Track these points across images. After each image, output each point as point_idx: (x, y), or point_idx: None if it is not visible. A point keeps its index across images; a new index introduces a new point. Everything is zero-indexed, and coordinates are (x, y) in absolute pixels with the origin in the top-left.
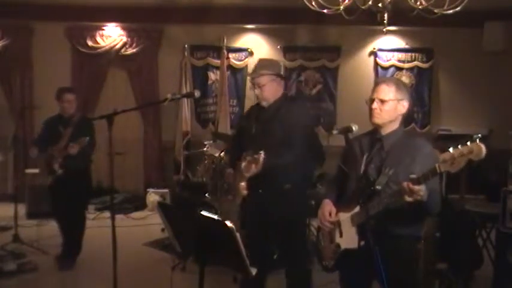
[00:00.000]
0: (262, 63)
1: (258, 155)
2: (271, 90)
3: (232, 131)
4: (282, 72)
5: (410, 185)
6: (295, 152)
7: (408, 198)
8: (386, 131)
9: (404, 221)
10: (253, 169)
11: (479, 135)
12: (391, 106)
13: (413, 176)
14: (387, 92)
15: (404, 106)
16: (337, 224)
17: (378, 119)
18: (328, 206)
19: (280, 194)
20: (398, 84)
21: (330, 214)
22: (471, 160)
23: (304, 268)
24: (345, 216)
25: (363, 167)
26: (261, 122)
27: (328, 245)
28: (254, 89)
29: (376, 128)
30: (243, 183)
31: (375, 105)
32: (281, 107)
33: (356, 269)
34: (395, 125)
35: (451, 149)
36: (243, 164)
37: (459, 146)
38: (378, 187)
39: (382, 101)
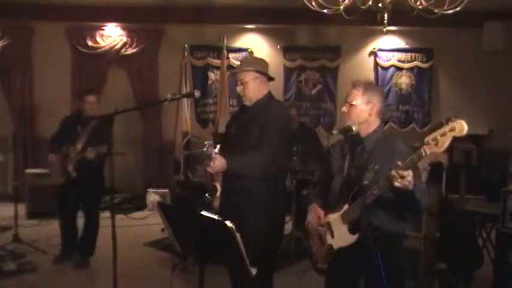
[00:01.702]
0: (248, 60)
1: (212, 151)
2: (253, 88)
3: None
4: (267, 72)
5: (400, 171)
6: (268, 156)
7: (397, 184)
8: (365, 132)
9: (395, 218)
10: (212, 166)
11: (456, 111)
12: (358, 109)
13: (400, 163)
14: (354, 95)
15: (373, 108)
16: (327, 225)
17: (348, 121)
18: (316, 210)
19: (253, 199)
20: (367, 87)
21: (319, 218)
22: (455, 138)
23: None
24: (334, 217)
25: (346, 169)
26: (240, 122)
27: (319, 248)
28: (237, 86)
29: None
30: (216, 184)
31: (344, 108)
32: (261, 107)
33: (348, 264)
34: (372, 126)
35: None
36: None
37: (449, 124)
38: (366, 182)
39: (350, 105)
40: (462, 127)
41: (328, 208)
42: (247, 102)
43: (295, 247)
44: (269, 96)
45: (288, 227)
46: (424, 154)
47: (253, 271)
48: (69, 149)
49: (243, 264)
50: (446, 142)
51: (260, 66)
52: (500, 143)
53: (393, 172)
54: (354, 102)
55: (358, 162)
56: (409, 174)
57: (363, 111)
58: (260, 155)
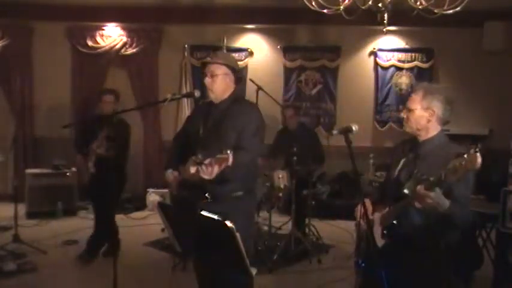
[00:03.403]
0: (222, 54)
1: (226, 154)
2: (222, 84)
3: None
4: (238, 71)
5: (422, 191)
6: (248, 156)
7: (417, 204)
8: (423, 137)
9: (427, 231)
10: (217, 170)
11: (479, 147)
12: (417, 114)
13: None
14: (413, 101)
15: (432, 114)
16: (371, 223)
17: (406, 127)
18: (365, 205)
19: (230, 202)
20: (427, 92)
21: (366, 213)
22: (469, 169)
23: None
24: (377, 216)
25: (397, 171)
26: (210, 123)
27: (359, 243)
28: (205, 77)
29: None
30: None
31: (403, 114)
32: (231, 106)
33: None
34: (431, 132)
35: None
36: (203, 167)
37: (465, 155)
38: (406, 191)
39: (409, 110)
40: (475, 161)
41: (378, 206)
42: (212, 96)
43: (295, 247)
44: (235, 96)
45: (288, 227)
46: (443, 179)
47: (254, 271)
48: (88, 148)
49: (243, 264)
50: (460, 173)
51: (234, 64)
52: (500, 143)
53: (418, 188)
54: (413, 107)
55: (408, 167)
56: (428, 195)
57: (421, 118)
58: (245, 157)
